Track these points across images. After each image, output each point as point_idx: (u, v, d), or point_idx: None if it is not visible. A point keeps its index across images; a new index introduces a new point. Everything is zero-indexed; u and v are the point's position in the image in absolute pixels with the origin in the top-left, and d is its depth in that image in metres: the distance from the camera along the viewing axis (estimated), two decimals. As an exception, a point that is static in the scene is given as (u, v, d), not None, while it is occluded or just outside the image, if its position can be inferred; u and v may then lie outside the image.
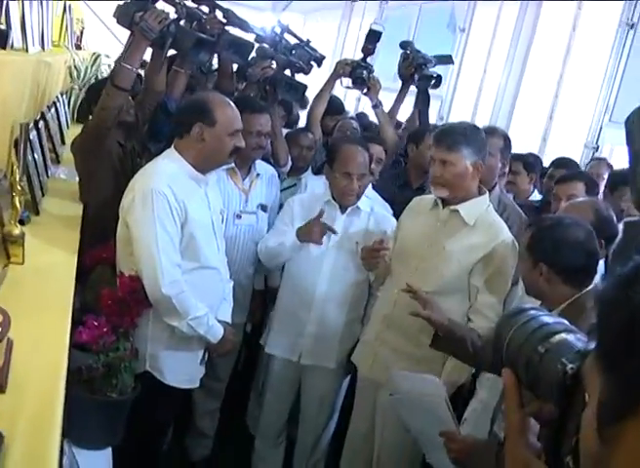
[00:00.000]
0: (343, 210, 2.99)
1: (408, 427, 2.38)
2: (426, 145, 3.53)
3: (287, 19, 4.03)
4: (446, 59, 4.37)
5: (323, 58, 3.94)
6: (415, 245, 2.67)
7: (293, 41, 3.91)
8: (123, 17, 2.87)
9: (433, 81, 4.02)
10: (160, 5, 2.98)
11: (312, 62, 3.90)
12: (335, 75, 3.94)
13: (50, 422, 1.34)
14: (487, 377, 2.56)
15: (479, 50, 7.02)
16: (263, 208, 3.16)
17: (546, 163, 5.47)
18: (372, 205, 3.06)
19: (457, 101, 7.22)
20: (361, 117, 5.33)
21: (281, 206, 3.28)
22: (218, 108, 2.47)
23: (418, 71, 4.00)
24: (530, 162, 4.17)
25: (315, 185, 3.42)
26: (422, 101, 4.13)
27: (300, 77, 3.77)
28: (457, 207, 2.61)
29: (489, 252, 2.55)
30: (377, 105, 4.01)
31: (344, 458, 3.01)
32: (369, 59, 4.06)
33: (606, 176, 3.97)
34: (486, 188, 2.71)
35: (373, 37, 4.02)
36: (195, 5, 3.44)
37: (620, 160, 4.67)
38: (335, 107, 4.43)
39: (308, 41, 3.91)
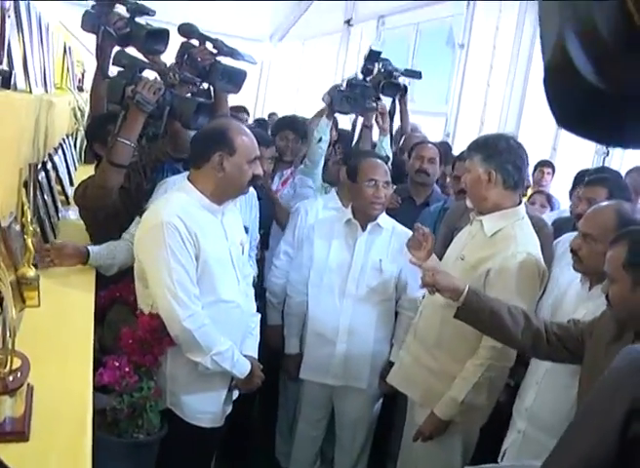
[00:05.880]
0: (364, 228, 2.95)
1: None
2: (415, 155, 3.61)
3: (285, 48, 3.99)
4: (414, 74, 4.44)
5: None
6: (447, 255, 2.63)
7: None
8: (114, 93, 2.69)
9: (400, 92, 4.13)
10: (146, 73, 2.79)
11: None
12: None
13: (78, 470, 1.28)
14: (525, 407, 2.40)
15: (480, 64, 7.01)
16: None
17: (558, 171, 5.44)
18: (394, 224, 3.02)
19: (462, 117, 7.19)
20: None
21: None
22: (237, 136, 2.39)
23: (385, 80, 4.01)
24: None
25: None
26: (403, 112, 4.33)
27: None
28: (481, 217, 2.54)
29: (496, 265, 2.41)
30: (367, 126, 3.95)
31: None
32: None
33: None
34: None
35: (373, 58, 4.03)
36: (185, 38, 3.34)
37: (635, 161, 4.57)
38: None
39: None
